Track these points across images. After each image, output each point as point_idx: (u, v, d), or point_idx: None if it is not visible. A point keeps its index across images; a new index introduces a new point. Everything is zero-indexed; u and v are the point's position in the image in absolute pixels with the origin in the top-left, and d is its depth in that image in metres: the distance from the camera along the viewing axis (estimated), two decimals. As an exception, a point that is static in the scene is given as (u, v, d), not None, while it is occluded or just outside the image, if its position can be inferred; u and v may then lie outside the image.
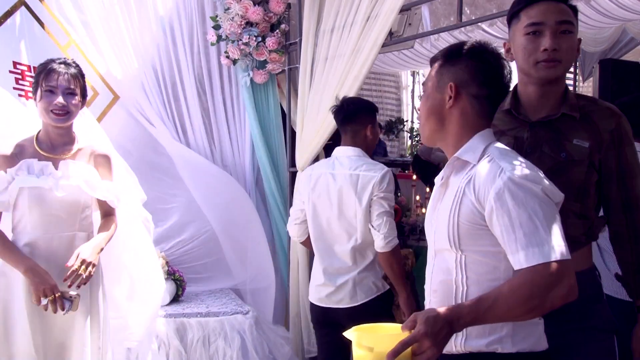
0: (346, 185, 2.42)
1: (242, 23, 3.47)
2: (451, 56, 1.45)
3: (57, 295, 2.04)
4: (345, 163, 2.46)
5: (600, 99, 1.71)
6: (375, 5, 2.79)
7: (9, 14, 3.21)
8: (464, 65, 1.42)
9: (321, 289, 2.50)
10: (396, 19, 2.84)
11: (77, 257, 2.08)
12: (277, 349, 3.02)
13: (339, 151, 2.52)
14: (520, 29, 1.60)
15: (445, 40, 5.32)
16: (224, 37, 3.55)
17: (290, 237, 3.45)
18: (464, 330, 1.34)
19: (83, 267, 2.06)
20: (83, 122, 2.47)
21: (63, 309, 2.06)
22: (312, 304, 2.59)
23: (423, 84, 1.57)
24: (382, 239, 2.36)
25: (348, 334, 1.30)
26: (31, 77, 3.19)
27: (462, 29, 4.90)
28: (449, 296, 1.42)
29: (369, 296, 2.45)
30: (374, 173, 2.40)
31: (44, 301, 2.03)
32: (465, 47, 1.44)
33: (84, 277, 2.07)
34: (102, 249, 2.19)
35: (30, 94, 3.17)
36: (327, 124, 3.12)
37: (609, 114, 1.62)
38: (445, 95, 1.42)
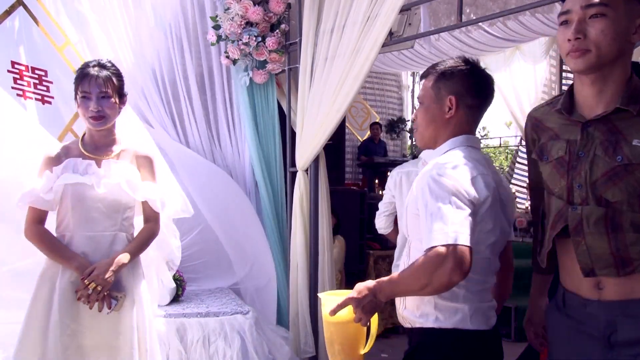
0: None
1: (242, 23, 3.47)
2: (446, 72, 1.63)
3: (106, 293, 2.10)
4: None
5: None
6: (375, 5, 2.79)
7: (7, 13, 3.21)
8: (459, 79, 1.61)
9: None
10: (396, 19, 2.84)
11: (92, 272, 2.09)
12: (276, 349, 3.02)
13: (426, 153, 2.86)
14: None
15: (445, 40, 5.32)
16: (224, 37, 3.55)
17: (290, 238, 3.46)
18: (404, 303, 1.62)
19: (92, 283, 2.08)
20: (126, 123, 2.51)
21: (110, 308, 2.12)
22: None
23: (418, 97, 1.72)
24: None
25: (321, 295, 1.62)
26: (29, 77, 3.21)
27: (463, 28, 4.90)
28: None
29: None
30: None
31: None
32: (460, 63, 1.63)
33: (90, 293, 2.08)
34: (124, 265, 2.17)
35: (27, 94, 3.20)
36: (327, 124, 3.12)
37: None
38: (444, 106, 1.62)
